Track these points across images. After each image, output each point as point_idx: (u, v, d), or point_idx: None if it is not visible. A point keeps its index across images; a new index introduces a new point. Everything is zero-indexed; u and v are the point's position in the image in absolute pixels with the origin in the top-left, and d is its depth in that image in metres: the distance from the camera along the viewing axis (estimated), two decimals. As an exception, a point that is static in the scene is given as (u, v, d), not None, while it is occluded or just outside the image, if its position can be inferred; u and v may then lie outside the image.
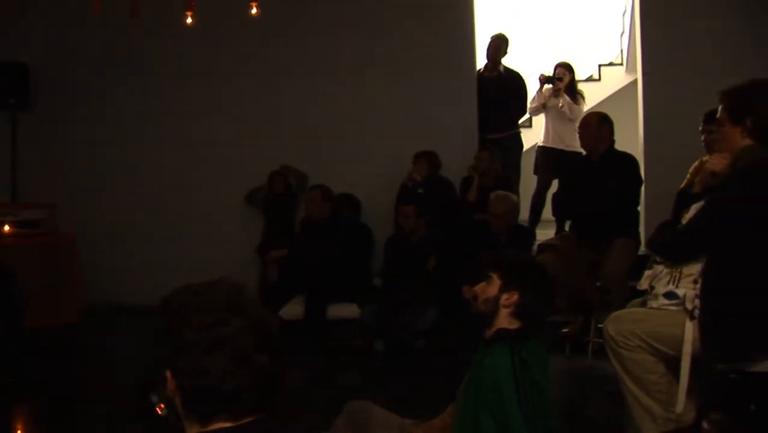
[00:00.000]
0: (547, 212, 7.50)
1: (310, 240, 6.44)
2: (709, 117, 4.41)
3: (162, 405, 1.72)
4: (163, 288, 1.79)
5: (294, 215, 7.21)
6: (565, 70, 7.57)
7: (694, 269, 3.24)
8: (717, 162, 3.36)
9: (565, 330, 5.67)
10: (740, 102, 3.26)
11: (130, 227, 7.55)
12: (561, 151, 7.50)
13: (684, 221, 3.40)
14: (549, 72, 7.61)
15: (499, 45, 7.51)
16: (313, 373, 5.85)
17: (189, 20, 6.18)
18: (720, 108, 3.37)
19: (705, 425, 3.27)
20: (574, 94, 7.59)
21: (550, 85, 7.48)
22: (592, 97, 8.73)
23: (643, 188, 5.75)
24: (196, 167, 7.55)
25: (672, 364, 3.26)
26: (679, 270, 3.29)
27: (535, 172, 7.77)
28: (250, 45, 7.38)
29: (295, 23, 7.41)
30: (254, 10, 6.06)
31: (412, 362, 5.80)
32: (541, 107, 7.60)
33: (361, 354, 6.07)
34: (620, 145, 5.70)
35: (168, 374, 1.67)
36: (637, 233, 5.60)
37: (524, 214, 7.20)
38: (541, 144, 7.74)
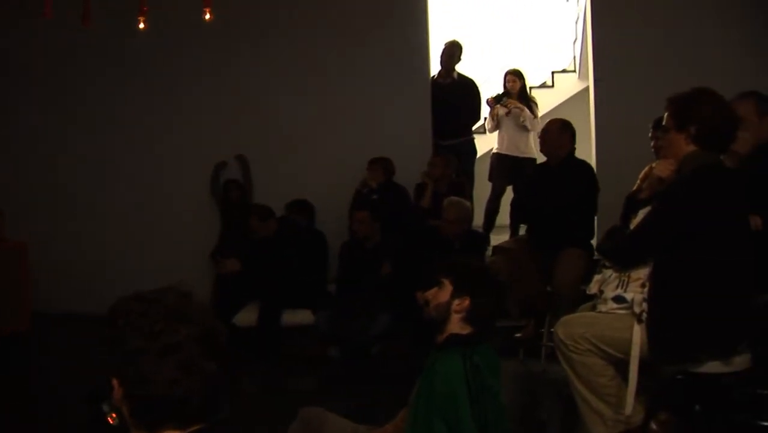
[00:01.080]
0: (502, 218, 7.60)
1: (262, 252, 6.39)
2: (658, 124, 4.48)
3: (113, 415, 1.71)
4: (115, 296, 1.77)
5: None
6: (515, 77, 7.67)
7: (642, 273, 3.30)
8: (663, 168, 3.44)
9: (519, 335, 5.71)
10: (684, 109, 3.34)
11: (81, 234, 7.44)
12: (516, 158, 7.57)
13: (632, 226, 3.47)
14: (495, 92, 7.77)
15: (453, 52, 7.56)
16: (266, 380, 5.83)
17: (141, 25, 6.12)
18: (666, 115, 3.45)
19: (653, 425, 3.33)
20: (527, 101, 7.68)
21: (500, 105, 7.60)
22: (546, 103, 8.83)
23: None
24: (149, 173, 7.47)
25: (621, 367, 3.31)
26: (627, 274, 3.35)
27: (490, 178, 7.83)
28: (207, 49, 7.33)
29: (249, 29, 7.37)
30: (207, 16, 6.02)
31: (367, 368, 5.81)
32: (497, 124, 7.67)
33: (316, 361, 6.06)
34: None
35: (115, 382, 1.66)
36: (591, 239, 5.67)
37: (478, 220, 7.25)
38: (495, 151, 7.80)
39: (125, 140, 7.49)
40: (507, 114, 7.52)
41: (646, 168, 4.88)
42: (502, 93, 7.68)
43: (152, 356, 1.62)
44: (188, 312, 1.68)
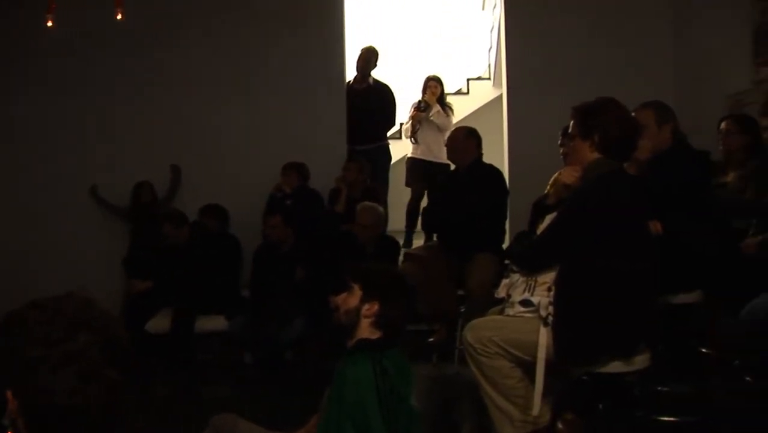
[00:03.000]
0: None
1: (175, 257, 6.30)
2: (566, 131, 4.62)
3: (10, 431, 1.66)
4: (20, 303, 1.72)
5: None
6: (436, 82, 7.78)
7: (548, 277, 3.39)
8: (568, 174, 3.55)
9: (431, 339, 5.77)
10: (588, 118, 3.45)
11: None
12: (430, 162, 7.66)
13: (539, 231, 3.55)
14: (411, 98, 7.93)
15: (368, 57, 7.60)
16: (179, 387, 5.75)
17: (50, 23, 5.98)
18: (572, 123, 3.55)
19: (559, 425, 3.42)
20: (444, 107, 7.79)
21: (421, 110, 7.68)
22: (461, 109, 8.97)
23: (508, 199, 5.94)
24: (59, 178, 7.28)
25: (528, 369, 3.38)
26: (534, 279, 3.43)
27: (407, 183, 7.90)
28: (121, 55, 7.20)
29: (164, 34, 7.26)
30: (119, 16, 5.92)
31: (281, 374, 5.78)
32: (414, 129, 7.75)
33: (230, 367, 6.00)
34: (488, 157, 5.87)
35: (9, 394, 1.61)
36: (502, 244, 5.77)
37: (393, 225, 7.30)
38: (410, 155, 7.87)
39: (36, 150, 7.29)
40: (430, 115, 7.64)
41: (556, 174, 5.03)
42: (422, 100, 7.77)
43: (50, 365, 1.57)
44: (88, 319, 1.64)
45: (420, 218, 6.20)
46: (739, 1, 6.06)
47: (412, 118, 7.75)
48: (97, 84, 7.27)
